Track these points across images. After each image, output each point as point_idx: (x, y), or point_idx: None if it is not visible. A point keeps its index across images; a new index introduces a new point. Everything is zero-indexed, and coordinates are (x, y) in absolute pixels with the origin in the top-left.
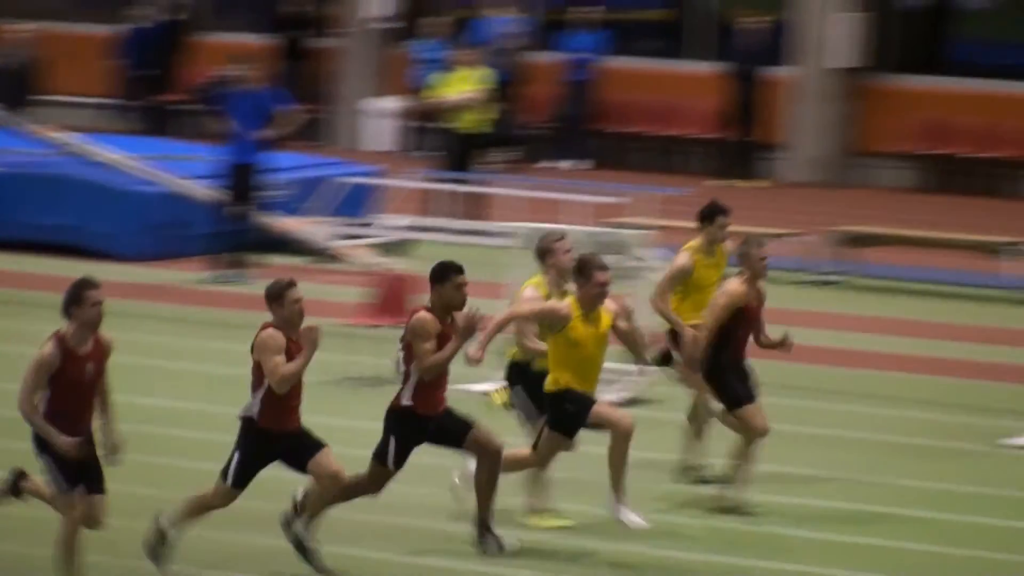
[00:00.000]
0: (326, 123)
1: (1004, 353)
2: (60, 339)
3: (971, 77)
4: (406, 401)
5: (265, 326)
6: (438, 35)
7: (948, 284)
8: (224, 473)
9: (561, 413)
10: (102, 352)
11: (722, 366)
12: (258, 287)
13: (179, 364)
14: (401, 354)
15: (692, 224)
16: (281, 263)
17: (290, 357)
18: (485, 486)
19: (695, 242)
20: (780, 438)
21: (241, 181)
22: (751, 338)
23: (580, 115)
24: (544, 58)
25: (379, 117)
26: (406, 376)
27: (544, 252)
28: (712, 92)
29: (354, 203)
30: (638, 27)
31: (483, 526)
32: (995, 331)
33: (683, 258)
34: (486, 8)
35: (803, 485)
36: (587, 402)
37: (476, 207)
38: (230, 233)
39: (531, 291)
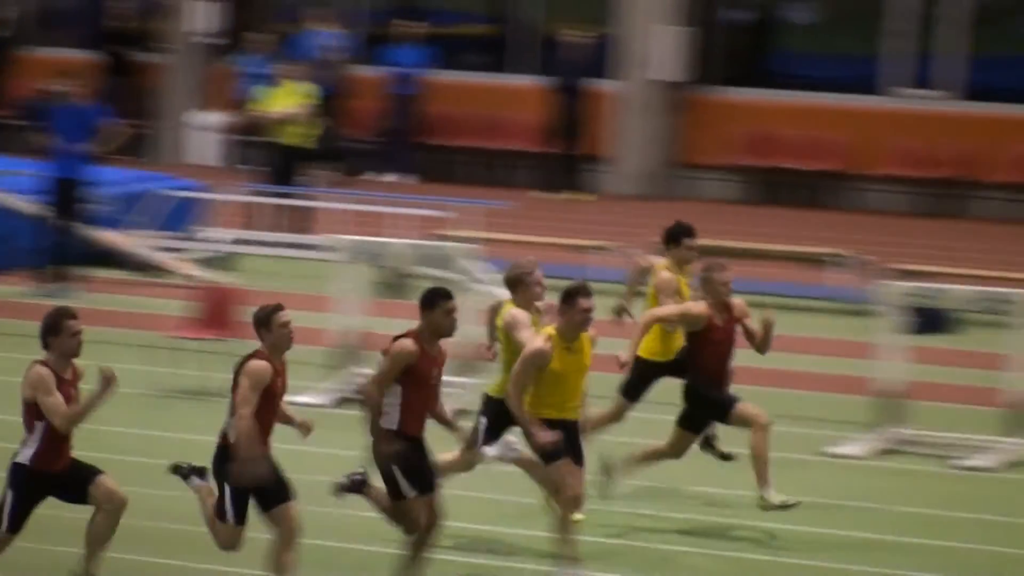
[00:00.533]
0: (151, 137)
1: (828, 363)
2: (47, 364)
3: (794, 90)
4: (390, 425)
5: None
6: (262, 50)
7: (772, 295)
8: None
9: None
10: (77, 379)
11: (693, 388)
12: (85, 301)
13: (3, 378)
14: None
15: (521, 237)
16: (106, 276)
17: (275, 385)
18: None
19: (665, 262)
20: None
21: (66, 195)
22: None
23: (405, 129)
24: (369, 72)
25: (204, 131)
26: (393, 403)
27: (515, 283)
28: (537, 106)
29: (179, 217)
30: (462, 41)
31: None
32: (819, 342)
33: (667, 274)
34: (310, 22)
35: (657, 499)
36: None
37: (301, 221)
38: (55, 247)
39: (519, 311)
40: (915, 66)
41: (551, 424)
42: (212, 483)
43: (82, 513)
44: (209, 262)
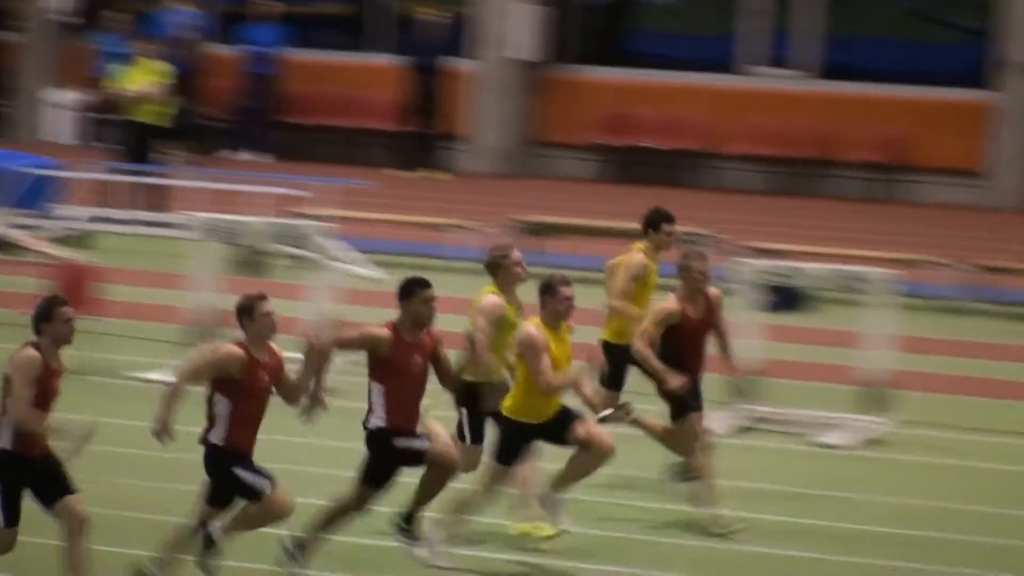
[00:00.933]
0: (6, 116)
1: None
2: (39, 348)
3: (651, 69)
4: (379, 422)
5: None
6: (119, 28)
7: None
8: None
9: (506, 441)
10: (61, 371)
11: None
12: None
13: None
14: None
15: (377, 216)
16: None
17: (254, 375)
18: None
19: (641, 245)
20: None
21: None
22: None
23: (261, 107)
24: (225, 51)
25: (59, 109)
26: (370, 399)
27: (494, 267)
28: (393, 84)
29: (34, 195)
30: (318, 20)
31: None
32: None
33: (640, 257)
34: (166, 1)
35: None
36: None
37: (156, 199)
38: None
39: (494, 299)
40: (771, 45)
41: (535, 428)
42: None
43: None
44: (65, 240)
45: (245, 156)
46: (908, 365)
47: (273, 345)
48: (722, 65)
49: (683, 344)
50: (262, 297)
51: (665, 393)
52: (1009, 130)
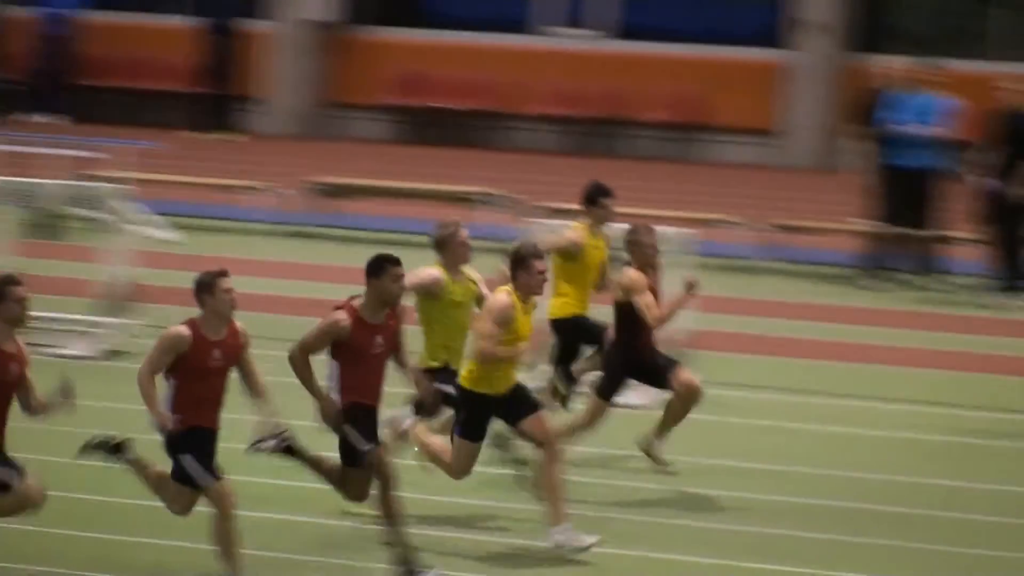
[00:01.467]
0: None
1: None
2: None
3: (446, 30)
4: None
5: (189, 321)
6: None
7: (419, 234)
8: None
9: (471, 416)
10: (23, 358)
11: (626, 354)
12: None
13: None
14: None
15: (172, 177)
16: None
17: (202, 353)
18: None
19: (579, 223)
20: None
21: None
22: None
23: (56, 69)
24: (19, 13)
25: None
26: (331, 380)
27: (441, 244)
28: (188, 46)
29: None
30: None
31: None
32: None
33: (574, 233)
34: None
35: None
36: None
37: None
38: None
39: (435, 273)
40: (566, 5)
41: (494, 400)
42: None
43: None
44: None
45: (40, 118)
46: (704, 325)
47: (236, 324)
48: (517, 25)
49: (636, 317)
50: (223, 273)
51: (609, 365)
52: (802, 89)
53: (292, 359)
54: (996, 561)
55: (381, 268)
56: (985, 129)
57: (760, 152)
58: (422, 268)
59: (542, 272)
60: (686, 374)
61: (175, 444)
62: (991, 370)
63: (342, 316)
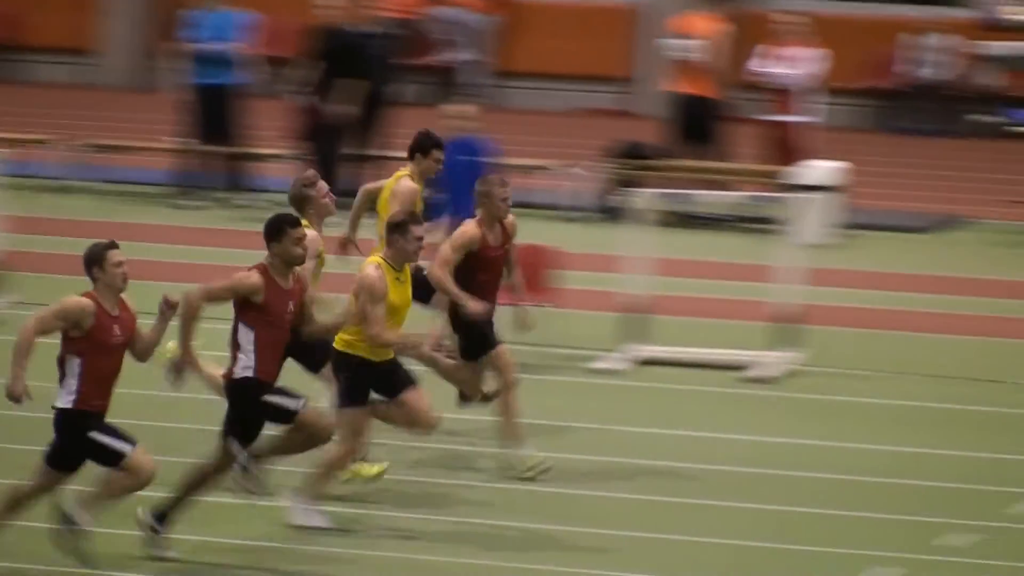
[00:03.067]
0: None
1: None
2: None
3: None
4: (246, 372)
5: (84, 294)
6: None
7: None
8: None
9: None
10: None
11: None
12: None
13: None
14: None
15: None
16: None
17: (105, 328)
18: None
19: (407, 171)
20: None
21: None
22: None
23: None
24: None
25: None
26: (237, 345)
27: (301, 200)
28: None
29: None
30: None
31: None
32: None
33: (409, 183)
34: None
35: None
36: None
37: None
38: None
39: (312, 233)
40: None
41: (374, 367)
42: None
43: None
44: None
45: None
46: (18, 245)
47: (125, 298)
48: None
49: (480, 273)
50: (112, 246)
51: (462, 327)
52: (117, 7)
53: (188, 299)
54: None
55: (281, 231)
56: (303, 46)
57: (76, 71)
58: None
59: (419, 239)
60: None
61: (77, 423)
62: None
63: (255, 274)
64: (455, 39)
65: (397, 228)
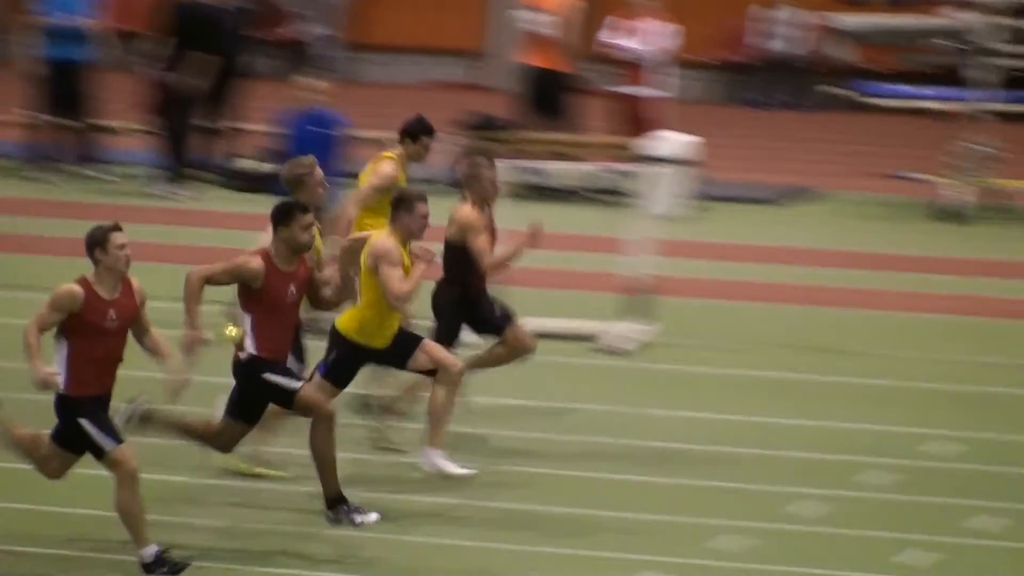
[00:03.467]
0: None
1: None
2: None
3: None
4: (249, 351)
5: (80, 280)
6: None
7: None
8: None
9: (344, 362)
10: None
11: (456, 300)
12: None
13: None
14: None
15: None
16: None
17: (97, 311)
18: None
19: (393, 153)
20: None
21: None
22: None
23: None
24: None
25: None
26: (248, 330)
27: (295, 183)
28: None
29: None
30: None
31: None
32: None
33: (390, 167)
34: None
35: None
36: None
37: None
38: None
39: None
40: None
41: (372, 352)
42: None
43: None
44: None
45: None
46: None
47: (133, 280)
48: None
49: (473, 260)
50: (115, 228)
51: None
52: None
53: (188, 280)
54: None
55: (290, 216)
56: (154, 20)
57: None
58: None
59: (425, 216)
60: (522, 330)
61: (69, 406)
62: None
63: (256, 259)
64: (307, 12)
65: (403, 204)
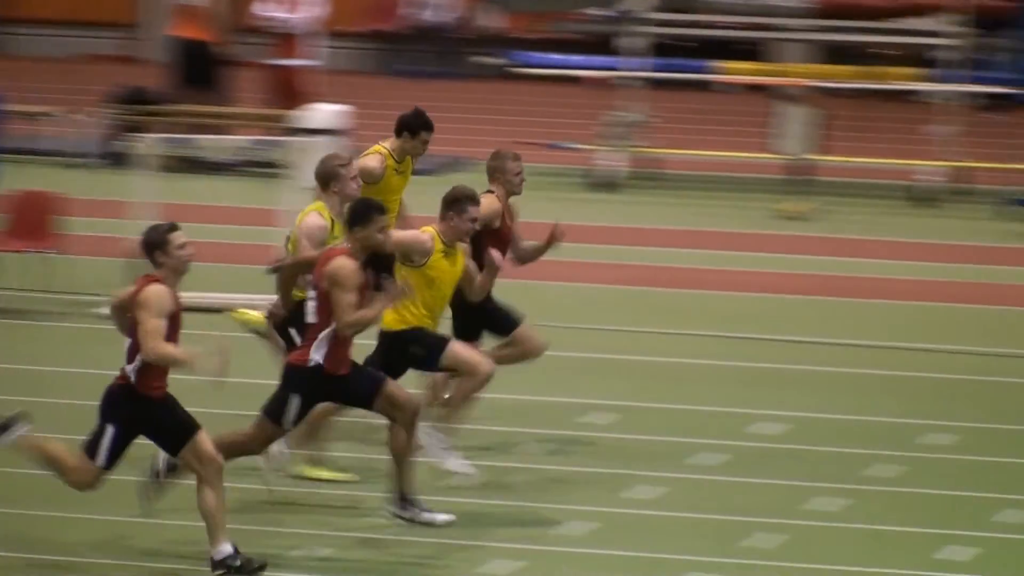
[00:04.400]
0: None
1: None
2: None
3: None
4: (316, 358)
5: (149, 280)
6: None
7: None
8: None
9: (405, 356)
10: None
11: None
12: None
13: None
14: (313, 304)
15: None
16: None
17: (179, 317)
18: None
19: (385, 146)
20: None
21: None
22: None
23: None
24: None
25: None
26: (318, 329)
27: (329, 177)
28: None
29: None
30: None
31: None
32: None
33: (374, 160)
34: None
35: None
36: (441, 343)
37: None
38: None
39: (315, 217)
40: None
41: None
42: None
43: None
44: None
45: None
46: None
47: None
48: None
49: (496, 249)
50: (173, 228)
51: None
52: None
53: (282, 268)
54: None
55: (368, 218)
56: None
57: None
58: (310, 217)
59: (475, 219)
60: (532, 330)
61: (147, 407)
62: None
63: (347, 261)
64: None
65: (453, 204)
